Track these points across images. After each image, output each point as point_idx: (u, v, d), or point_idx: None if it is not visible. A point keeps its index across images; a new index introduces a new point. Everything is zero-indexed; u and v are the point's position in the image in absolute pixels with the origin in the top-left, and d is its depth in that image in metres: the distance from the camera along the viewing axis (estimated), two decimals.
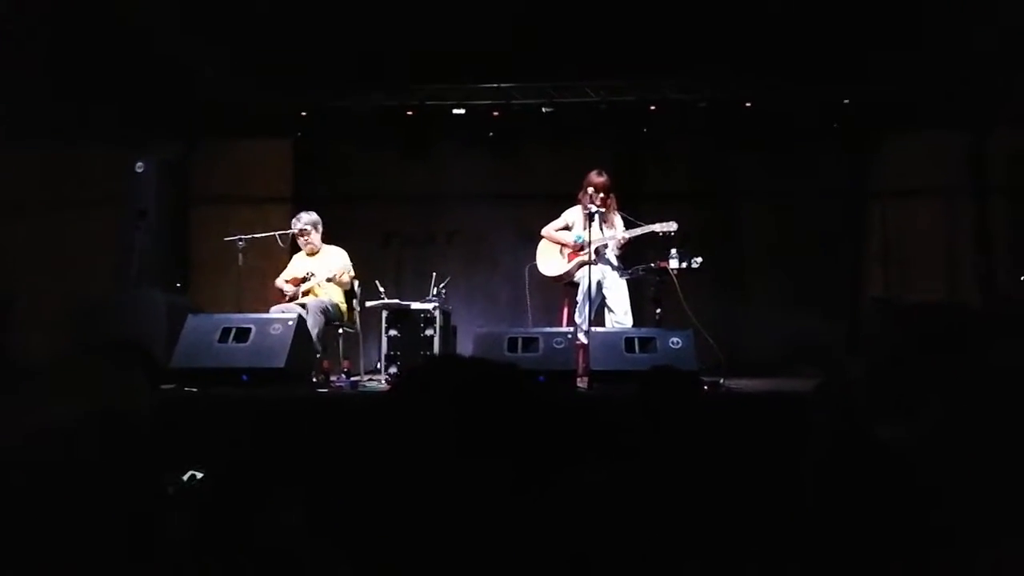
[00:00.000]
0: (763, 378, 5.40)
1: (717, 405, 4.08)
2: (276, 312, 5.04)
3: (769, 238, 7.00)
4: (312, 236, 5.48)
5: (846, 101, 6.62)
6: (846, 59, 6.03)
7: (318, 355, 5.05)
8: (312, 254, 5.53)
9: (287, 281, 5.42)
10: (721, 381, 4.51)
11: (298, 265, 5.52)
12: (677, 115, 6.80)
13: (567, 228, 5.48)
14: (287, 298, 5.35)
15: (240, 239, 5.33)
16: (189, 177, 7.19)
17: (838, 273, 6.82)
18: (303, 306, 5.18)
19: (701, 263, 4.88)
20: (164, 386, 4.17)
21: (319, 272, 5.42)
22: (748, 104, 6.69)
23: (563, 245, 5.39)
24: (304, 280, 5.40)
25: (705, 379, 4.42)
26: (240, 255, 5.30)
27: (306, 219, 5.48)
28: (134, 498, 1.51)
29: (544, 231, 5.51)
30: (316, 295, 5.38)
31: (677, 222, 5.02)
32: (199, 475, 2.01)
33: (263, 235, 5.49)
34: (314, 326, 4.99)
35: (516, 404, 1.10)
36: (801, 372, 5.58)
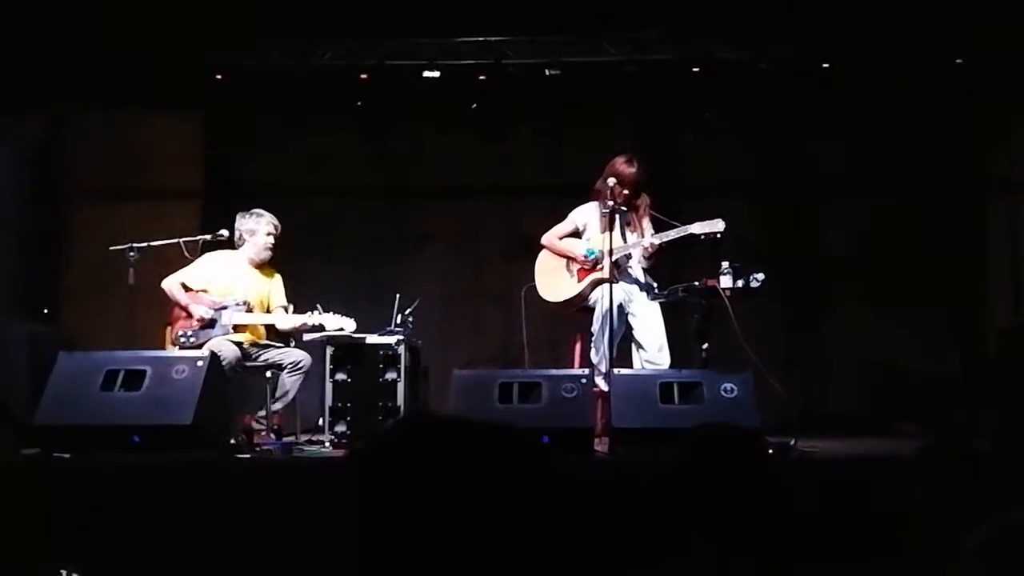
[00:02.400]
0: (848, 438, 5.41)
1: (786, 475, 4.08)
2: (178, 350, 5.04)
3: (855, 246, 7.06)
4: None
5: (959, 61, 6.71)
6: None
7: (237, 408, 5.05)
8: (260, 267, 5.57)
9: (204, 301, 5.36)
10: (792, 443, 4.52)
11: (228, 272, 5.47)
12: (729, 80, 6.87)
13: (576, 234, 5.51)
14: (197, 320, 5.29)
15: (131, 248, 5.32)
16: (58, 166, 7.19)
17: (949, 294, 6.87)
18: (238, 344, 5.19)
19: (763, 281, 4.90)
20: (24, 450, 4.14)
21: (274, 297, 5.53)
22: (826, 65, 6.76)
23: (570, 258, 5.42)
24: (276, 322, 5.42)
25: (771, 440, 4.42)
26: (131, 270, 5.29)
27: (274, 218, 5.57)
28: None
29: (545, 239, 5.54)
30: (257, 333, 5.40)
31: (729, 225, 5.06)
32: (72, 574, 2.00)
33: (163, 243, 5.49)
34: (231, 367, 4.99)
35: (513, 485, 1.11)
36: (900, 430, 5.59)
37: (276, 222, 5.57)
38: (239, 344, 5.24)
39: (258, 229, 5.51)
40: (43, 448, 4.19)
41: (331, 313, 5.29)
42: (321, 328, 5.31)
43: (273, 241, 5.55)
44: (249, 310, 5.37)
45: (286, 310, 5.52)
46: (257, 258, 5.53)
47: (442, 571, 1.04)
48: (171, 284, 5.38)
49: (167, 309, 5.41)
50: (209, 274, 5.47)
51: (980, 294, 6.98)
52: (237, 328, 5.33)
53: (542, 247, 5.56)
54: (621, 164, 5.29)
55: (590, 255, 5.34)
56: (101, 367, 4.57)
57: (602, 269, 5.20)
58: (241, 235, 5.53)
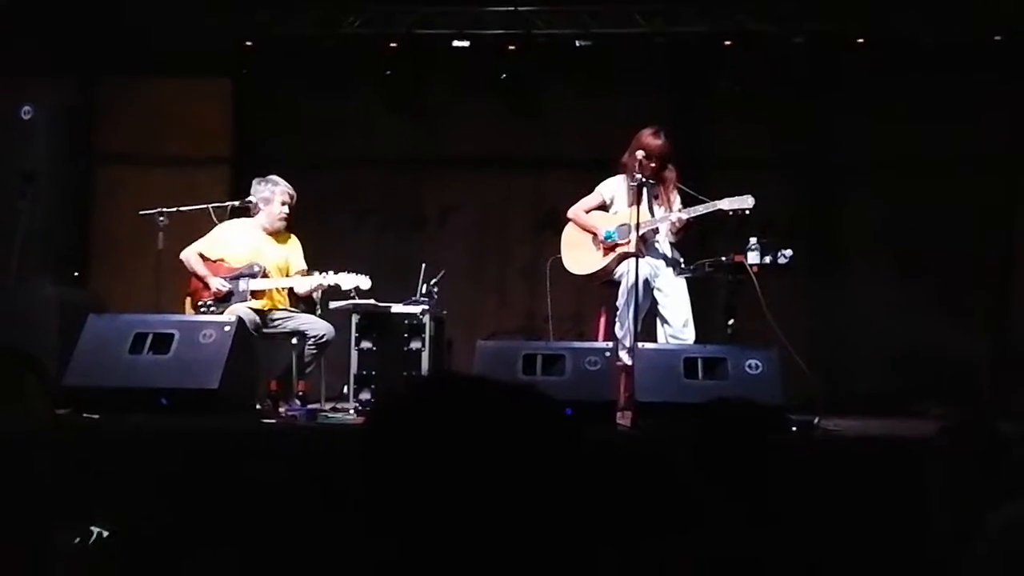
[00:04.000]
0: (874, 417, 5.38)
1: (809, 454, 4.07)
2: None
3: (885, 223, 6.98)
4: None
5: (997, 38, 6.57)
6: None
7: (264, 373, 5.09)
8: (276, 234, 5.58)
9: (221, 270, 5.41)
10: (815, 420, 4.51)
11: (244, 241, 5.50)
12: (761, 54, 6.79)
13: (603, 207, 5.49)
14: (212, 294, 5.33)
15: (161, 213, 5.36)
16: (92, 128, 7.24)
17: (980, 272, 6.79)
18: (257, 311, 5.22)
19: (791, 258, 4.87)
20: (55, 411, 4.20)
21: (293, 262, 5.52)
22: (860, 40, 6.66)
23: (595, 234, 5.41)
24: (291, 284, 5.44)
25: (793, 417, 4.41)
26: (160, 235, 5.32)
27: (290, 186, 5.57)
28: (15, 560, 1.53)
29: (571, 212, 5.52)
30: (275, 299, 5.42)
31: (757, 200, 5.02)
32: (102, 533, 2.02)
33: (192, 208, 5.51)
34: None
35: (537, 445, 1.10)
36: (926, 410, 5.55)
37: (291, 191, 5.54)
38: (258, 311, 5.27)
39: (273, 198, 5.49)
40: (73, 409, 4.25)
41: (345, 272, 5.31)
42: (337, 288, 5.32)
43: (288, 211, 5.53)
44: (265, 276, 5.39)
45: (306, 275, 5.52)
46: (271, 227, 5.53)
47: (464, 534, 1.04)
48: (189, 255, 5.42)
49: (186, 280, 5.45)
50: (225, 243, 5.48)
51: (1011, 276, 6.88)
52: (256, 295, 5.36)
53: (568, 220, 5.54)
54: (648, 136, 5.25)
55: (608, 238, 5.31)
56: (130, 330, 4.63)
57: (629, 243, 5.17)
58: (256, 203, 5.53)
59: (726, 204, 5.05)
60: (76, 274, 6.69)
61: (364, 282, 5.28)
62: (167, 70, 7.09)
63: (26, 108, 6.27)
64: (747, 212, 5.01)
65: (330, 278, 5.29)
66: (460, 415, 1.10)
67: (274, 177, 5.57)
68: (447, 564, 1.03)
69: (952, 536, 1.83)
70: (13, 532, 1.48)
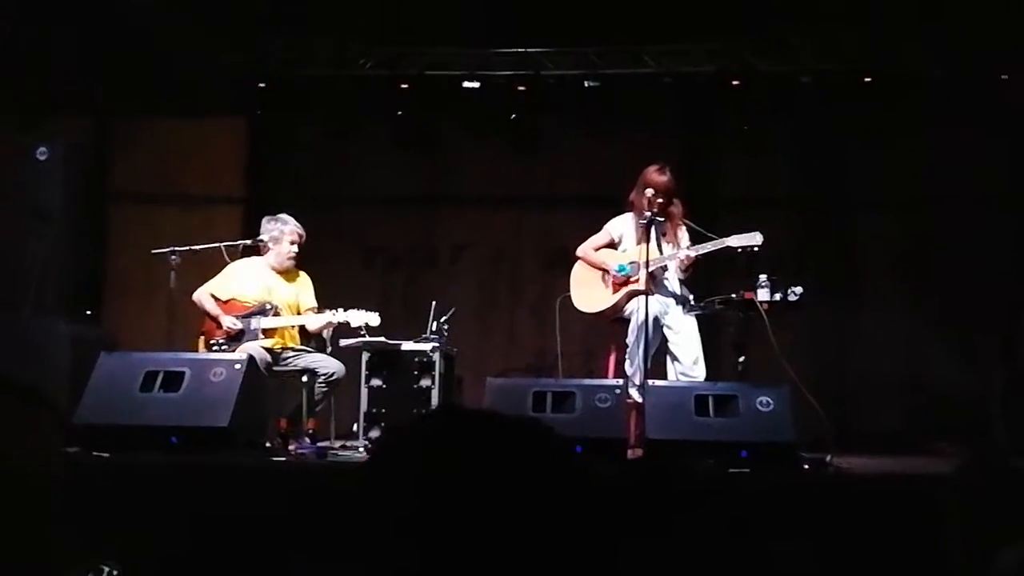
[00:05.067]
0: (886, 455, 5.34)
1: (820, 492, 4.04)
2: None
3: (895, 259, 6.97)
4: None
5: (1004, 77, 6.60)
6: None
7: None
8: (286, 272, 5.60)
9: (233, 309, 5.43)
10: (828, 458, 4.46)
11: (255, 279, 5.53)
12: (769, 93, 6.84)
13: (612, 245, 5.50)
14: (224, 333, 5.34)
15: (173, 252, 5.38)
16: (106, 167, 7.31)
17: (992, 307, 6.75)
18: (268, 349, 5.23)
19: (801, 295, 4.86)
20: (66, 449, 4.20)
21: (304, 300, 5.54)
22: (868, 79, 6.70)
23: (605, 271, 5.42)
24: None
25: (805, 455, 4.38)
26: (172, 273, 5.34)
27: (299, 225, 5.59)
28: None
29: (580, 251, 5.53)
30: (286, 338, 5.44)
31: (766, 237, 5.03)
32: (113, 572, 2.02)
33: (204, 247, 5.53)
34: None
35: (544, 478, 1.10)
36: (936, 450, 5.50)
37: (300, 230, 5.56)
38: (270, 349, 5.28)
39: (282, 237, 5.51)
40: (82, 447, 4.24)
41: (355, 309, 5.31)
42: (347, 325, 5.33)
43: (296, 250, 5.54)
44: (276, 314, 5.40)
45: (316, 313, 5.53)
46: (279, 266, 5.55)
47: (471, 562, 1.03)
48: (201, 295, 5.44)
49: (198, 319, 5.46)
50: (236, 282, 5.50)
51: (1021, 311, 6.85)
52: (267, 333, 5.36)
53: (577, 259, 5.55)
54: (653, 173, 5.28)
55: (621, 271, 5.32)
56: (141, 368, 4.62)
57: (638, 281, 5.17)
58: (266, 241, 5.55)
59: (735, 241, 5.05)
60: (89, 312, 6.71)
61: (373, 319, 5.29)
62: (181, 110, 7.17)
63: (42, 149, 6.33)
64: (755, 248, 5.02)
65: (340, 315, 5.30)
66: (464, 448, 1.09)
67: (284, 216, 5.60)
68: None
69: (966, 574, 1.81)
70: (24, 572, 1.47)
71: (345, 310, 5.31)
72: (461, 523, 1.03)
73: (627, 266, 5.31)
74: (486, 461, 1.07)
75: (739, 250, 5.05)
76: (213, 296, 5.43)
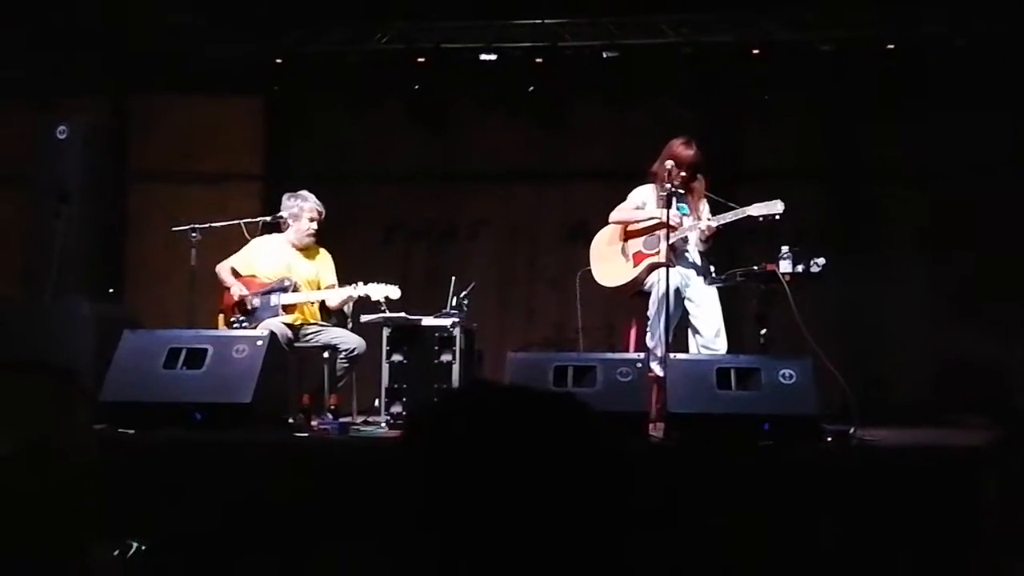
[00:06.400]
0: (910, 428, 5.30)
1: (843, 466, 4.02)
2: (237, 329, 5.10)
3: (921, 230, 6.89)
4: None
5: None
6: None
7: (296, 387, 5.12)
8: (306, 248, 5.60)
9: (253, 285, 5.43)
10: (851, 431, 4.43)
11: (275, 256, 5.53)
12: (790, 62, 6.75)
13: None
14: (241, 308, 5.35)
15: (193, 229, 5.41)
16: (126, 147, 7.33)
17: (1017, 277, 6.67)
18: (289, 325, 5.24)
19: (824, 266, 4.81)
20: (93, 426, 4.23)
21: (324, 276, 5.54)
22: (891, 46, 6.60)
23: (649, 229, 5.28)
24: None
25: (828, 427, 4.35)
26: (193, 251, 5.37)
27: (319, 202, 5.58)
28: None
29: (613, 214, 5.45)
30: (307, 314, 5.45)
31: (789, 208, 4.97)
32: (141, 546, 2.02)
33: (224, 224, 5.55)
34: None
35: (578, 454, 1.08)
36: (964, 422, 5.46)
37: (320, 207, 5.55)
38: (290, 325, 5.29)
39: (301, 214, 5.50)
40: (107, 423, 4.28)
41: (374, 283, 5.31)
42: (367, 299, 5.32)
43: (316, 227, 5.54)
44: (296, 290, 5.41)
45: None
46: (299, 243, 5.55)
47: (505, 544, 1.02)
48: (222, 269, 5.45)
49: (219, 295, 5.48)
50: (257, 258, 5.51)
51: None
52: (288, 309, 5.37)
53: (604, 225, 5.47)
54: (679, 146, 5.22)
55: (682, 211, 5.20)
56: (164, 345, 4.64)
57: (658, 253, 5.14)
58: (286, 218, 5.54)
59: (755, 210, 5.00)
60: (111, 291, 6.74)
61: (394, 292, 5.28)
62: (199, 88, 7.18)
63: (61, 128, 6.34)
64: (777, 217, 4.96)
65: (360, 289, 5.30)
66: (498, 424, 1.08)
67: (304, 193, 5.59)
68: (488, 571, 1.01)
69: (1003, 549, 1.78)
70: (53, 546, 1.48)
71: (365, 284, 5.30)
72: (491, 505, 1.02)
73: (686, 207, 5.22)
74: (519, 439, 1.05)
75: (760, 219, 4.99)
76: (234, 271, 5.45)
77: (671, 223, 5.06)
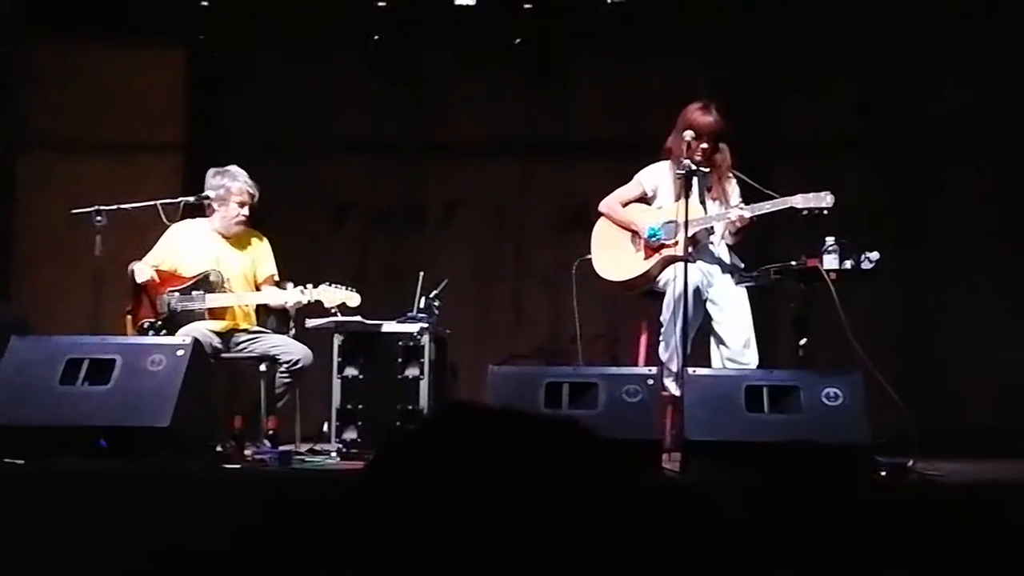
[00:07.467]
0: (981, 460, 5.34)
1: (903, 504, 4.04)
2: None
3: (994, 218, 6.95)
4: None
5: None
6: None
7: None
8: (236, 237, 5.60)
9: (172, 281, 5.43)
10: (910, 463, 4.47)
11: (200, 245, 5.53)
12: (834, 8, 6.77)
13: (644, 200, 5.49)
14: (157, 311, 5.35)
15: (98, 211, 5.39)
16: (15, 106, 7.29)
17: None
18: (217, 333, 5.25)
19: (878, 261, 4.85)
20: None
21: (261, 268, 5.55)
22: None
23: (634, 232, 5.39)
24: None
25: (883, 460, 4.38)
26: (97, 238, 5.35)
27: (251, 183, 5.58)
28: None
29: (604, 205, 5.51)
30: (239, 317, 5.43)
31: (834, 190, 5.02)
32: None
33: (136, 205, 5.54)
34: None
35: (588, 491, 1.08)
36: None
37: (252, 188, 5.56)
38: (218, 332, 5.28)
39: (229, 197, 5.53)
40: None
41: (329, 285, 5.30)
42: (319, 305, 5.32)
43: (246, 212, 5.56)
44: (225, 288, 5.39)
45: (279, 283, 5.53)
46: (226, 231, 5.58)
47: None
48: (141, 272, 5.41)
49: (129, 294, 5.46)
50: (176, 251, 5.53)
51: None
52: (215, 313, 5.37)
53: (600, 215, 5.53)
54: (696, 112, 5.25)
55: (653, 236, 5.28)
56: (61, 355, 4.62)
57: (676, 244, 5.15)
58: (211, 200, 5.55)
59: (800, 201, 5.03)
60: None
61: (352, 299, 5.28)
62: (108, 35, 7.14)
63: None
64: (826, 212, 5.00)
65: (310, 293, 5.30)
66: (479, 458, 1.08)
67: (233, 169, 5.59)
68: None
69: None
70: None
71: (315, 286, 5.29)
72: (472, 562, 1.02)
73: (660, 229, 5.28)
74: (505, 475, 1.05)
75: (804, 212, 5.03)
76: (156, 269, 5.43)
77: (643, 234, 5.24)
